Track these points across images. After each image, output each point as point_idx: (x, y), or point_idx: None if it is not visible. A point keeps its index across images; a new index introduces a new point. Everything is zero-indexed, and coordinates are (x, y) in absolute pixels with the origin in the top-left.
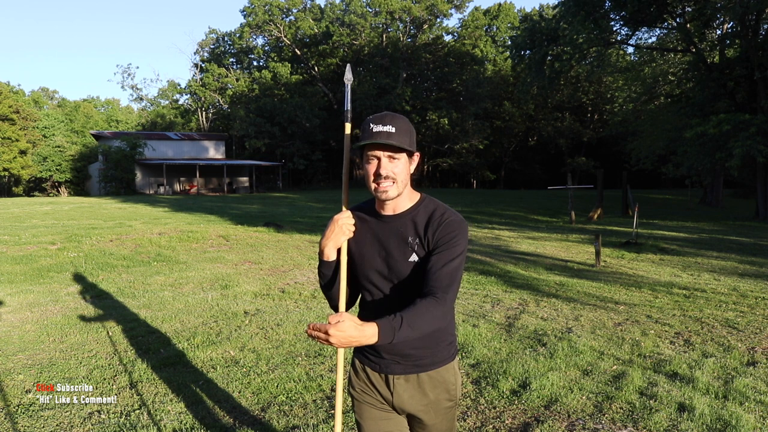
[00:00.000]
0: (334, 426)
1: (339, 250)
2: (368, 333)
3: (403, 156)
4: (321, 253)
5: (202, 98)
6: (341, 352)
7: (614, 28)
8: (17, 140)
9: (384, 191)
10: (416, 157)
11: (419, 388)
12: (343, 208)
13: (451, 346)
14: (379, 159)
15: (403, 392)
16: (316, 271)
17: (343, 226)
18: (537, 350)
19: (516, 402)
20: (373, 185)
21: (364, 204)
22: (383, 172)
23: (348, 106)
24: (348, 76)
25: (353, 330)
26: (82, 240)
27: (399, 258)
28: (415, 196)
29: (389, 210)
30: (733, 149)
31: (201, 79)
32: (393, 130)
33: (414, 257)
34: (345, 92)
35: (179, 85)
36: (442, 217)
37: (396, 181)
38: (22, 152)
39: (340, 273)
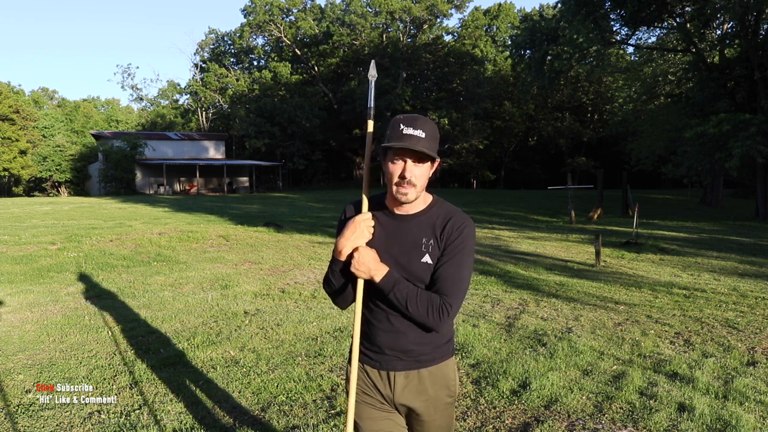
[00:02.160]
0: (345, 425)
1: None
2: (380, 269)
3: (428, 162)
4: (338, 253)
5: (202, 98)
6: (355, 351)
7: (614, 28)
8: (17, 140)
9: (404, 194)
10: (437, 162)
11: (420, 384)
12: (364, 209)
13: (450, 342)
14: (405, 162)
15: (403, 389)
16: (320, 272)
17: (365, 228)
18: (537, 350)
19: (516, 402)
20: (394, 187)
21: (373, 200)
22: (408, 175)
23: (371, 103)
24: (372, 73)
25: (371, 261)
26: (82, 240)
27: (412, 257)
28: (428, 198)
29: (403, 209)
30: (733, 149)
31: (201, 79)
32: (423, 135)
33: (427, 258)
34: (368, 89)
35: (179, 85)
36: (459, 222)
37: (416, 187)
38: (22, 152)
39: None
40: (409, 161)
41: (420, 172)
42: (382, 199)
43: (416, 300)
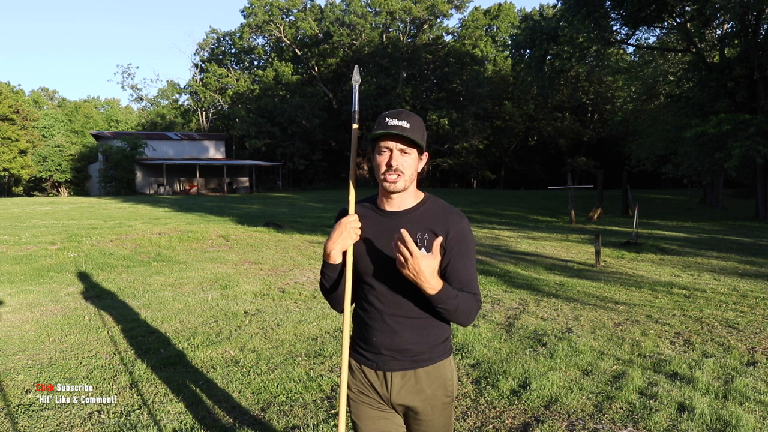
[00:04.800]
0: (338, 426)
1: (344, 253)
2: (433, 282)
3: (414, 152)
4: (327, 256)
5: (202, 98)
6: (345, 352)
7: (614, 28)
8: (17, 140)
9: (392, 183)
10: (425, 156)
11: (417, 384)
12: (350, 211)
13: (447, 342)
14: (391, 151)
15: (400, 389)
16: (318, 272)
17: (351, 230)
18: (537, 350)
19: (516, 402)
20: (382, 176)
21: (365, 200)
22: (394, 163)
23: (356, 107)
24: (356, 77)
25: (429, 271)
26: (82, 240)
27: None
28: (420, 195)
29: (394, 206)
30: (732, 149)
31: (201, 79)
32: (408, 125)
33: (424, 252)
34: (353, 93)
35: (179, 85)
36: (458, 220)
37: (403, 175)
38: (22, 152)
39: (345, 275)
40: (395, 150)
41: (407, 162)
42: (373, 200)
43: (465, 306)
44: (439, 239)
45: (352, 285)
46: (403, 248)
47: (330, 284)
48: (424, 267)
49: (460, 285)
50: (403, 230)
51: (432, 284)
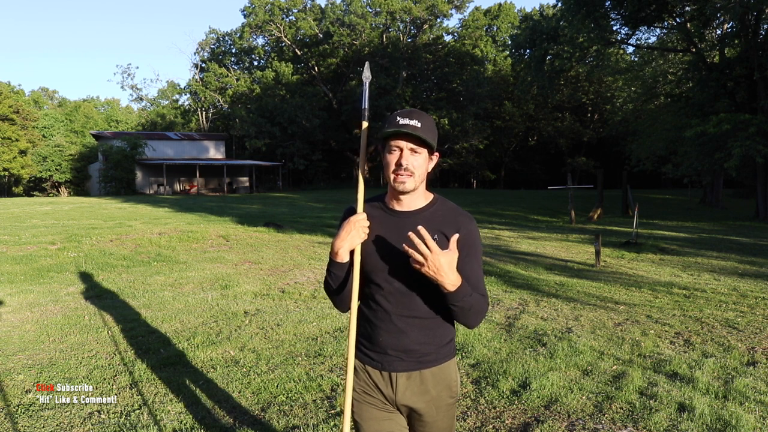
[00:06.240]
0: (342, 425)
1: (351, 252)
2: (453, 277)
3: (425, 152)
4: (334, 255)
5: (202, 98)
6: (351, 351)
7: (614, 28)
8: (17, 140)
9: (402, 183)
10: (435, 157)
11: (422, 384)
12: (359, 209)
13: (452, 343)
14: (401, 150)
15: (405, 389)
16: (319, 272)
17: (360, 228)
18: (537, 350)
19: (516, 402)
20: (391, 176)
21: (373, 199)
22: (404, 162)
23: (365, 104)
24: (366, 74)
25: (448, 267)
26: (82, 240)
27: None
28: (429, 196)
29: (403, 206)
30: (732, 149)
31: (201, 79)
32: (419, 125)
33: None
34: (363, 90)
35: (179, 85)
36: (468, 222)
37: (414, 175)
38: (22, 152)
39: (352, 274)
40: (406, 150)
41: (417, 162)
42: (382, 199)
43: (478, 305)
44: (456, 236)
45: (363, 285)
46: (421, 245)
47: (337, 284)
48: (444, 263)
49: (473, 286)
50: (420, 227)
51: (452, 280)
